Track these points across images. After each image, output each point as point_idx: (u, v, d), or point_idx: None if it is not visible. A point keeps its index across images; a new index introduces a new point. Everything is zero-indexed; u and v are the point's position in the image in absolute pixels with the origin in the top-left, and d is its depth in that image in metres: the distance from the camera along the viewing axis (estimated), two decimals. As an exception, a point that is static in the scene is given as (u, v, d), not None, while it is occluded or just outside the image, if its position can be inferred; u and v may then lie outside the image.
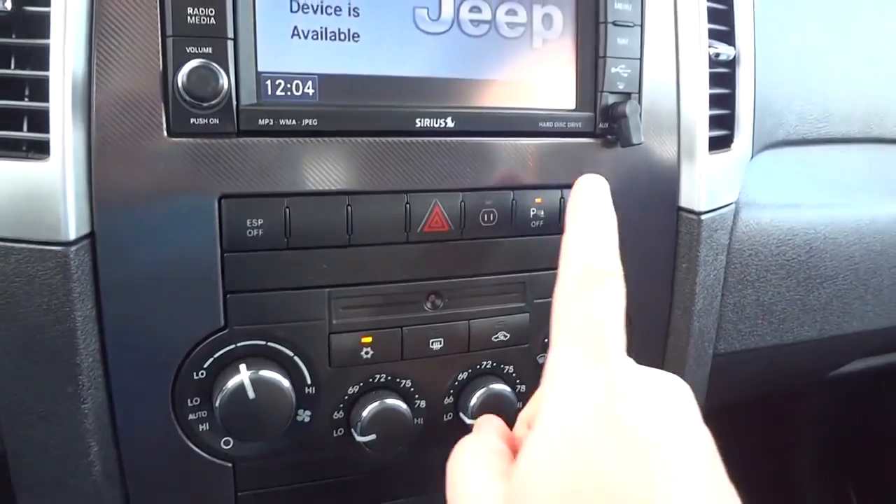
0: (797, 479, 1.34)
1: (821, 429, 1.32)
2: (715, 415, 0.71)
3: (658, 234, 0.60)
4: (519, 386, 0.56)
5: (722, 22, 0.65)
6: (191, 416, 0.48)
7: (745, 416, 1.35)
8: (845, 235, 0.72)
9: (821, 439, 1.33)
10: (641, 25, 0.56)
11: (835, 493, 1.34)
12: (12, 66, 0.45)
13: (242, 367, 0.47)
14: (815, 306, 0.71)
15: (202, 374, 0.48)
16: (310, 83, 0.48)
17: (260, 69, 0.47)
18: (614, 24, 0.54)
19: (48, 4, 0.43)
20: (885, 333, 0.79)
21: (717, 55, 0.63)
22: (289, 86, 0.48)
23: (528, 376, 0.57)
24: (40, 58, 0.44)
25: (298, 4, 0.47)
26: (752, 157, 0.70)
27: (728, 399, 0.91)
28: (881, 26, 0.83)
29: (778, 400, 1.30)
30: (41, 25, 0.43)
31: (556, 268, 0.55)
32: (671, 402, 0.35)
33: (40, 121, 0.44)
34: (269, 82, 0.47)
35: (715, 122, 0.63)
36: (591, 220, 0.43)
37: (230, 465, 0.50)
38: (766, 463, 1.37)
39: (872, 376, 1.24)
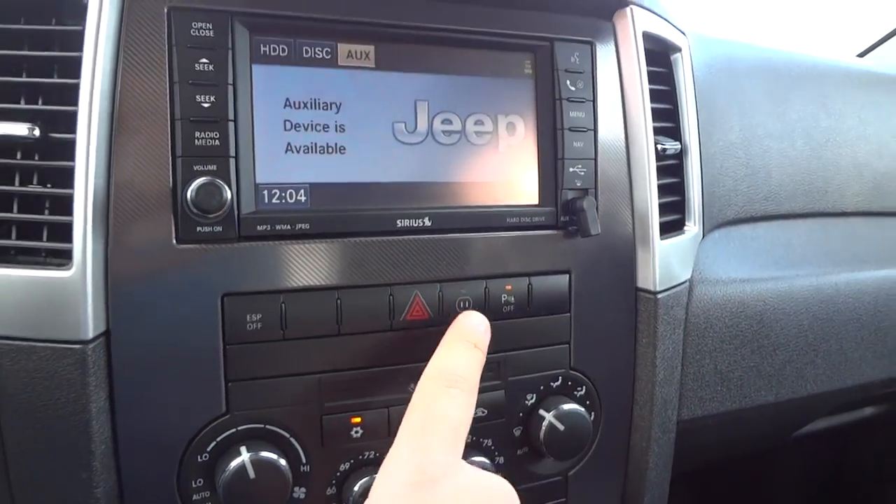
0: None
1: (796, 487, 1.36)
2: (687, 477, 0.76)
3: (619, 313, 0.66)
4: (498, 458, 0.61)
5: (668, 119, 0.72)
6: (195, 497, 0.52)
7: (720, 478, 1.40)
8: (793, 305, 0.79)
9: (797, 498, 1.37)
10: (595, 129, 0.63)
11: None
12: (34, 184, 0.51)
13: (243, 449, 0.51)
14: (770, 372, 0.77)
15: (205, 456, 0.52)
16: (302, 191, 0.54)
17: (258, 181, 0.53)
18: (570, 129, 0.62)
19: (73, 132, 0.49)
20: (838, 394, 0.85)
21: (665, 150, 0.70)
22: (283, 194, 0.54)
23: (505, 448, 0.61)
24: (63, 176, 0.50)
25: (291, 124, 0.54)
26: (703, 237, 0.77)
27: (698, 463, 0.95)
28: (815, 111, 0.92)
29: (750, 461, 1.34)
30: (66, 150, 0.49)
31: (528, 348, 0.61)
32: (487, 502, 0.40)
33: (61, 232, 0.50)
34: (265, 192, 0.53)
35: (667, 208, 0.70)
36: (461, 341, 0.52)
37: (232, 542, 0.54)
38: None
39: (836, 435, 1.29)
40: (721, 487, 1.40)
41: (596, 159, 0.63)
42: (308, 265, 0.54)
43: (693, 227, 0.74)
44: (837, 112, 0.94)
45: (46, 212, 0.51)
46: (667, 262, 0.68)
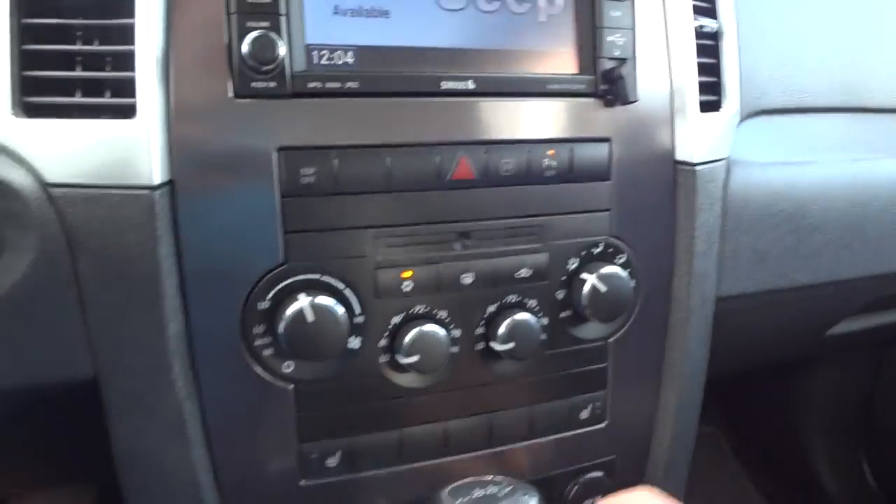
0: (809, 454, 1.38)
1: (831, 404, 1.37)
2: (728, 383, 0.77)
3: (659, 184, 0.67)
4: (541, 319, 0.63)
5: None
6: (257, 342, 0.55)
7: (756, 391, 1.41)
8: (831, 189, 0.79)
9: (831, 414, 1.38)
10: (632, 0, 0.64)
11: (847, 466, 1.38)
12: (95, 44, 0.53)
13: (302, 295, 0.54)
14: (807, 253, 0.78)
15: (266, 304, 0.55)
16: (350, 53, 0.56)
17: (307, 41, 0.55)
18: (609, -1, 0.63)
19: (133, -10, 0.51)
20: (875, 282, 0.85)
21: (702, 27, 0.71)
22: (332, 56, 0.56)
23: (549, 310, 0.64)
24: (123, 35, 0.52)
25: (339, -13, 0.56)
26: (739, 123, 0.78)
27: (742, 355, 0.97)
28: (857, 2, 0.91)
29: (787, 375, 1.35)
30: (126, 7, 0.52)
31: (570, 213, 0.63)
32: None
33: (124, 88, 0.52)
34: (315, 52, 0.55)
35: (704, 88, 0.71)
36: None
37: (292, 386, 0.57)
38: (778, 438, 1.42)
39: (873, 353, 1.30)
40: (749, 401, 1.42)
41: (633, 30, 0.64)
42: (358, 123, 0.56)
43: (730, 107, 0.74)
44: (879, 5, 0.93)
45: (108, 69, 0.53)
46: (705, 136, 0.69)
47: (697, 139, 0.68)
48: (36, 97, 0.52)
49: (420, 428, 0.62)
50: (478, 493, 0.50)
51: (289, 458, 0.59)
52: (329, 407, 0.59)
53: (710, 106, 0.72)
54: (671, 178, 0.68)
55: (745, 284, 0.75)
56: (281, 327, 0.54)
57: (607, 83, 0.63)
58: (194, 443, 0.56)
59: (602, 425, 0.69)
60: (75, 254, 0.52)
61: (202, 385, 0.55)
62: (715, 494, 1.43)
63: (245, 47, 0.51)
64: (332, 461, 0.60)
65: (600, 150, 0.64)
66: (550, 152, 0.62)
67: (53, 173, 0.52)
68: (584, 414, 0.68)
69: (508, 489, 0.50)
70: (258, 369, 0.56)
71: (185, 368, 0.54)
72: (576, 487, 0.70)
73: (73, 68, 0.53)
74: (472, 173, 0.59)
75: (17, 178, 0.51)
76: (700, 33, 0.70)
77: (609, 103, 0.64)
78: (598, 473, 0.71)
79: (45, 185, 0.52)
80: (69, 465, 0.90)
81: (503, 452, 0.65)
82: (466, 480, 0.51)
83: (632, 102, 0.62)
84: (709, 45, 0.73)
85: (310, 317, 0.53)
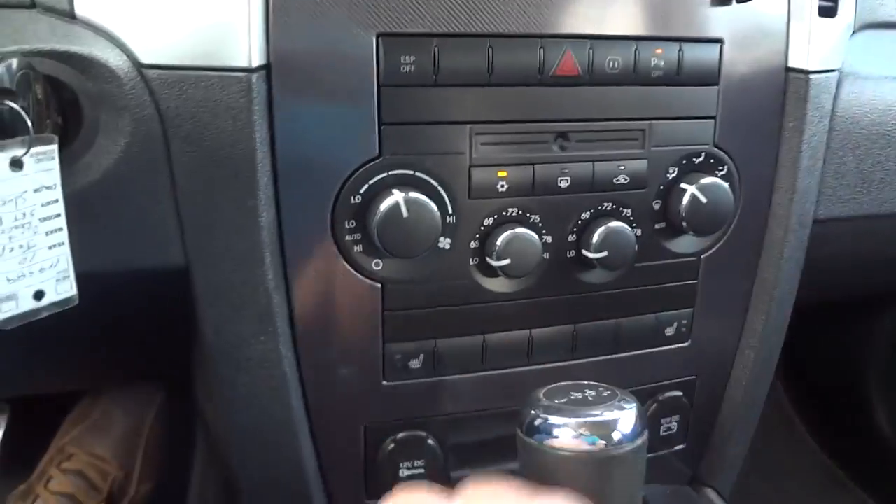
0: (867, 403, 1.36)
1: (892, 343, 1.33)
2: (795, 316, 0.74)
3: (768, 92, 0.63)
4: (635, 229, 0.60)
5: None
6: (347, 238, 0.54)
7: (817, 326, 1.38)
8: (946, 109, 0.74)
9: (892, 352, 1.34)
10: None
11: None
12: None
13: (395, 190, 0.52)
14: (915, 177, 0.73)
15: (358, 198, 0.53)
16: (456, -64, 0.52)
17: (411, -81, 0.51)
18: None
19: None
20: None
21: (827, -76, 0.65)
22: (438, -63, 0.52)
23: (644, 220, 0.61)
24: None
25: None
26: (852, 35, 0.72)
27: (826, 283, 0.93)
28: None
29: (850, 313, 1.31)
30: None
31: (673, 118, 0.59)
32: None
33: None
34: (419, -69, 0.52)
35: (819, -9, 0.66)
36: None
37: (379, 285, 0.56)
38: (837, 376, 1.39)
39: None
40: (808, 345, 1.39)
41: (756, -80, 0.59)
42: (460, 9, 0.52)
43: (846, 15, 0.69)
44: None
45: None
46: (821, 43, 0.64)
47: (813, 46, 0.63)
48: (128, -28, 0.50)
49: (505, 334, 0.61)
50: (575, 395, 0.48)
51: (372, 357, 0.58)
52: (415, 308, 0.58)
53: (826, 11, 0.67)
54: (782, 86, 0.63)
55: (845, 207, 0.71)
56: (374, 222, 0.52)
57: (723, -22, 0.58)
58: (281, 335, 0.55)
59: (686, 344, 0.67)
60: (169, 137, 0.50)
61: (290, 278, 0.54)
62: (768, 438, 1.42)
63: (347, -78, 0.48)
64: (415, 363, 0.59)
65: (710, 52, 0.59)
66: (658, 51, 0.58)
67: (148, 54, 0.50)
68: (670, 331, 0.66)
69: (607, 393, 0.48)
70: (347, 266, 0.55)
71: (277, 260, 0.53)
72: (654, 405, 0.69)
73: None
74: (577, 69, 0.56)
75: (112, 58, 0.49)
76: (823, -70, 0.65)
77: (723, 1, 0.59)
78: (678, 392, 0.69)
79: (140, 66, 0.50)
80: (143, 362, 0.92)
81: (584, 364, 0.64)
82: (563, 383, 0.50)
83: (747, 1, 0.58)
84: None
85: (405, 212, 0.52)
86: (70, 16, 0.52)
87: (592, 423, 0.45)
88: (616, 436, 0.45)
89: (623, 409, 0.47)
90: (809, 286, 0.75)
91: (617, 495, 0.46)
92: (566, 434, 0.45)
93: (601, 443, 0.45)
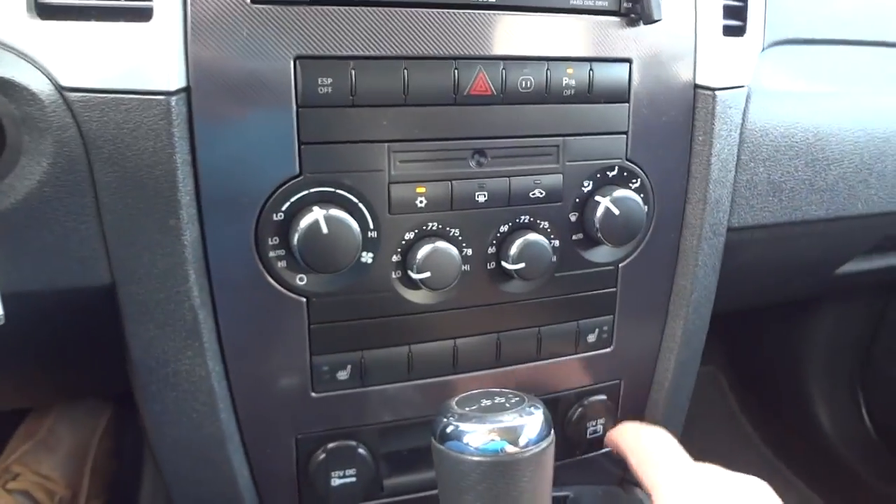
0: (806, 396, 1.41)
1: (831, 346, 1.38)
2: (728, 322, 0.77)
3: (677, 108, 0.66)
4: (553, 241, 0.63)
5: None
6: (271, 254, 0.56)
7: (756, 331, 1.43)
8: (850, 122, 0.78)
9: (831, 357, 1.40)
10: (660, -86, 0.62)
11: (845, 409, 1.40)
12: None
13: (316, 207, 0.54)
14: (822, 186, 0.77)
15: (280, 215, 0.55)
16: (370, -41, 0.55)
17: (326, -54, 0.53)
18: (635, -90, 0.60)
19: None
20: (889, 218, 0.85)
21: (731, -53, 0.68)
22: (352, -39, 0.54)
23: (561, 232, 0.64)
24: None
25: None
26: (762, 51, 0.76)
27: (749, 290, 0.97)
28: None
29: (788, 316, 1.36)
30: None
31: (586, 134, 0.62)
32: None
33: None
34: (335, -42, 0.54)
35: (728, 12, 0.70)
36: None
37: (304, 299, 0.58)
38: (776, 378, 1.44)
39: (877, 296, 1.30)
40: (748, 341, 1.44)
41: (661, -55, 0.62)
42: (376, 33, 0.55)
43: (754, 34, 0.73)
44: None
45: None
46: (727, 61, 0.68)
47: (719, 64, 0.67)
48: (49, -3, 0.51)
49: (429, 344, 0.63)
50: (485, 402, 0.51)
51: (300, 370, 0.60)
52: (340, 321, 0.59)
53: (733, 31, 0.71)
54: (690, 102, 0.67)
55: (758, 216, 0.75)
56: (295, 239, 0.54)
57: (631, 1, 0.61)
58: (209, 350, 0.57)
59: (608, 349, 0.70)
60: (92, 159, 0.52)
61: (216, 295, 0.56)
62: (712, 432, 1.46)
63: (262, -50, 0.50)
64: (342, 374, 0.61)
65: (620, 71, 0.62)
66: (570, 70, 0.60)
67: (69, 77, 0.51)
68: (592, 337, 0.69)
69: (515, 399, 0.51)
70: (271, 281, 0.56)
71: (201, 277, 0.55)
72: (579, 409, 0.71)
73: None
74: (490, 89, 0.58)
75: (33, 81, 0.50)
76: (727, -46, 0.68)
77: (632, 22, 0.62)
78: (602, 397, 0.72)
79: (61, 89, 0.51)
80: (86, 379, 0.92)
81: (509, 372, 0.67)
82: (474, 392, 0.52)
83: (655, 22, 0.61)
84: (736, -33, 0.71)
85: (324, 228, 0.53)
86: (-8, 40, 0.53)
87: (500, 429, 0.48)
88: (523, 440, 0.48)
89: (530, 413, 0.49)
90: (731, 292, 0.79)
91: (525, 498, 0.48)
92: (475, 439, 0.48)
93: (509, 447, 0.48)
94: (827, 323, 1.37)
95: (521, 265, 0.61)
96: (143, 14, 0.51)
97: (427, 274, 0.58)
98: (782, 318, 1.37)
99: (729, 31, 0.69)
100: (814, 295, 1.27)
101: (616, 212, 0.62)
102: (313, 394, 0.61)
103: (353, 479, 0.64)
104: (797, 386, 1.40)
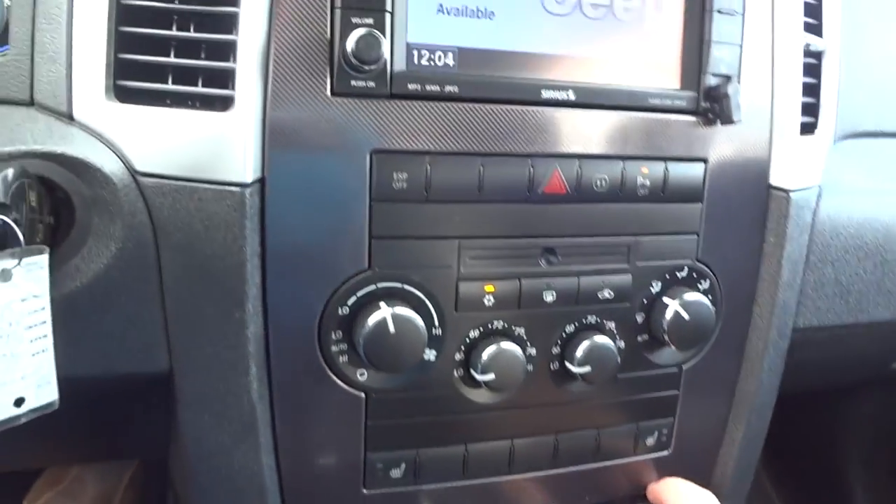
0: (846, 484, 1.36)
1: (874, 428, 1.34)
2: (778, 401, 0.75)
3: (750, 209, 0.64)
4: (618, 342, 0.61)
5: (811, 15, 0.69)
6: (333, 348, 0.54)
7: (796, 414, 1.38)
8: (921, 223, 0.76)
9: (873, 445, 1.35)
10: (742, 14, 0.61)
11: (884, 491, 1.35)
12: (191, 30, 0.52)
13: (383, 304, 0.53)
14: (891, 288, 0.75)
15: (345, 310, 0.54)
16: (451, 54, 0.54)
17: (409, 40, 0.53)
18: (719, 11, 0.59)
19: (237, -23, 0.49)
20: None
21: (808, 46, 0.67)
22: (433, 56, 0.54)
23: (627, 333, 0.62)
24: (222, 23, 0.51)
25: (445, -16, 0.53)
26: (833, 144, 0.75)
27: (801, 381, 0.94)
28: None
29: (829, 400, 1.32)
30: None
31: (658, 234, 0.61)
32: None
33: (218, 78, 0.51)
34: (416, 52, 0.53)
35: (802, 109, 0.68)
36: None
37: (363, 395, 0.56)
38: (815, 464, 1.39)
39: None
40: (788, 423, 1.39)
41: (741, 45, 0.61)
42: (454, 128, 0.54)
43: (826, 131, 0.71)
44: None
45: (202, 58, 0.51)
46: (802, 160, 0.66)
47: (793, 163, 0.65)
48: (130, 81, 0.51)
49: (486, 444, 0.61)
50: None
51: (354, 466, 0.58)
52: (398, 418, 0.58)
53: (806, 128, 0.69)
54: (764, 203, 0.65)
55: (823, 317, 0.72)
56: (360, 336, 0.52)
57: (710, 101, 0.60)
58: (263, 446, 0.55)
59: (666, 452, 0.68)
60: (160, 245, 0.51)
61: (274, 388, 0.54)
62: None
63: (350, 45, 0.49)
64: (396, 472, 0.59)
65: (695, 171, 0.61)
66: (644, 170, 0.59)
67: (144, 162, 0.50)
68: (650, 440, 0.66)
69: None
70: (332, 376, 0.55)
71: (261, 370, 0.53)
72: (633, 512, 0.69)
73: (170, 54, 0.51)
74: (564, 187, 0.57)
75: (107, 163, 0.50)
76: (805, 51, 0.67)
77: (709, 122, 0.61)
78: (658, 500, 0.69)
79: (135, 174, 0.50)
80: (126, 450, 0.90)
81: (565, 473, 0.64)
82: None
83: (734, 123, 0.59)
84: (811, 64, 0.69)
85: (391, 328, 0.52)
86: (68, 117, 0.52)
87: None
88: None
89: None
90: (784, 382, 0.76)
91: None
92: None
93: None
94: (870, 408, 1.32)
95: (587, 368, 0.58)
96: (224, 103, 0.50)
97: (491, 376, 0.56)
98: (822, 402, 1.33)
99: (803, 128, 0.68)
100: (865, 384, 1.23)
101: (686, 316, 0.60)
102: (365, 490, 0.59)
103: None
104: (836, 474, 1.36)
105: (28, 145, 0.50)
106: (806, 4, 0.67)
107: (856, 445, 1.35)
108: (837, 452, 1.36)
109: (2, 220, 0.45)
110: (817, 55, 0.70)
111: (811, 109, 0.71)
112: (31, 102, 0.54)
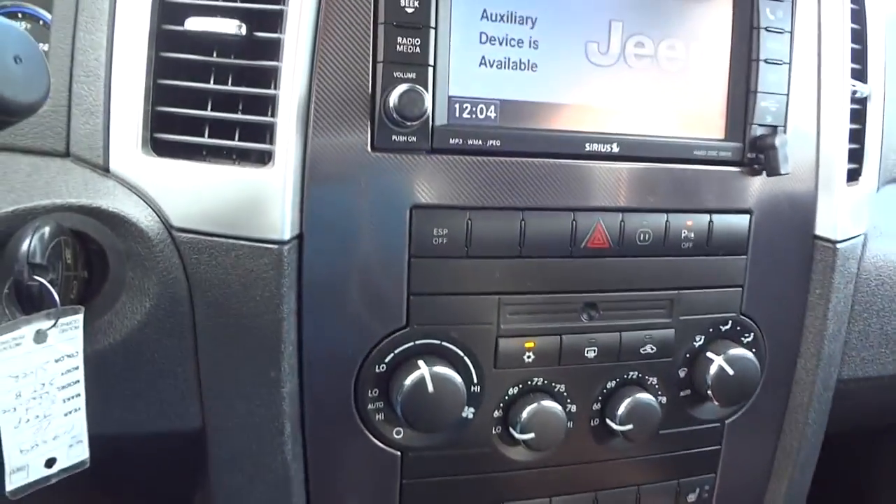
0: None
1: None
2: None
3: (795, 260, 0.62)
4: (660, 397, 0.59)
5: (856, 60, 0.67)
6: (369, 406, 0.53)
7: (834, 449, 1.35)
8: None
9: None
10: (790, 63, 0.59)
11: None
12: (229, 84, 0.51)
13: (421, 362, 0.51)
14: (938, 337, 0.73)
15: (382, 367, 0.52)
16: (493, 107, 0.53)
17: (451, 93, 0.52)
18: (765, 61, 0.58)
19: (279, 31, 0.48)
20: None
21: (854, 92, 0.65)
22: (474, 109, 0.52)
23: (669, 388, 0.60)
24: (263, 77, 0.50)
25: (487, 36, 0.52)
26: (877, 191, 0.73)
27: (840, 426, 0.92)
28: None
29: (873, 436, 1.29)
30: (272, 49, 0.49)
31: (701, 287, 0.59)
32: None
33: (257, 132, 0.50)
34: (457, 105, 0.52)
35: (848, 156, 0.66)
36: None
37: (399, 453, 0.54)
38: (847, 497, 1.35)
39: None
40: (838, 460, 1.35)
41: (788, 95, 0.59)
42: (496, 183, 0.52)
43: (870, 178, 0.69)
44: None
45: (240, 111, 0.51)
46: (846, 208, 0.64)
47: (840, 213, 0.63)
48: (167, 134, 0.50)
49: (524, 503, 0.59)
50: None
51: (388, 523, 0.56)
52: (434, 476, 0.56)
53: (851, 175, 0.67)
54: (809, 254, 0.63)
55: (868, 368, 0.70)
56: (398, 395, 0.51)
57: (755, 152, 0.58)
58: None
59: (707, 508, 0.66)
60: (195, 302, 0.50)
61: (309, 446, 0.53)
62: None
63: (392, 100, 0.48)
64: (431, 530, 0.57)
65: (740, 223, 0.59)
66: (689, 223, 0.57)
67: (180, 217, 0.49)
68: (692, 497, 0.64)
69: None
70: (368, 434, 0.53)
71: (296, 429, 0.52)
72: (673, 570, 0.66)
73: (207, 107, 0.50)
74: (608, 242, 0.55)
75: (143, 217, 0.49)
76: (850, 97, 0.65)
77: (754, 172, 0.59)
78: (697, 556, 0.67)
79: (171, 228, 0.49)
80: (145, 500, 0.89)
81: (604, 531, 0.62)
82: None
83: (782, 175, 0.58)
84: (856, 110, 0.68)
85: (430, 387, 0.50)
86: (104, 169, 0.52)
87: None
88: None
89: None
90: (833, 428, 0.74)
91: None
92: None
93: None
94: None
95: (629, 426, 0.57)
96: (263, 158, 0.49)
97: (531, 435, 0.54)
98: (855, 442, 1.29)
99: (849, 175, 0.66)
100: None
101: (730, 372, 0.58)
102: (399, 549, 0.57)
103: None
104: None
105: (64, 198, 0.49)
106: (852, 50, 0.65)
107: (887, 490, 1.31)
108: (871, 493, 1.33)
109: (39, 281, 0.44)
110: (862, 101, 0.68)
111: (856, 156, 0.69)
112: (66, 154, 0.53)
